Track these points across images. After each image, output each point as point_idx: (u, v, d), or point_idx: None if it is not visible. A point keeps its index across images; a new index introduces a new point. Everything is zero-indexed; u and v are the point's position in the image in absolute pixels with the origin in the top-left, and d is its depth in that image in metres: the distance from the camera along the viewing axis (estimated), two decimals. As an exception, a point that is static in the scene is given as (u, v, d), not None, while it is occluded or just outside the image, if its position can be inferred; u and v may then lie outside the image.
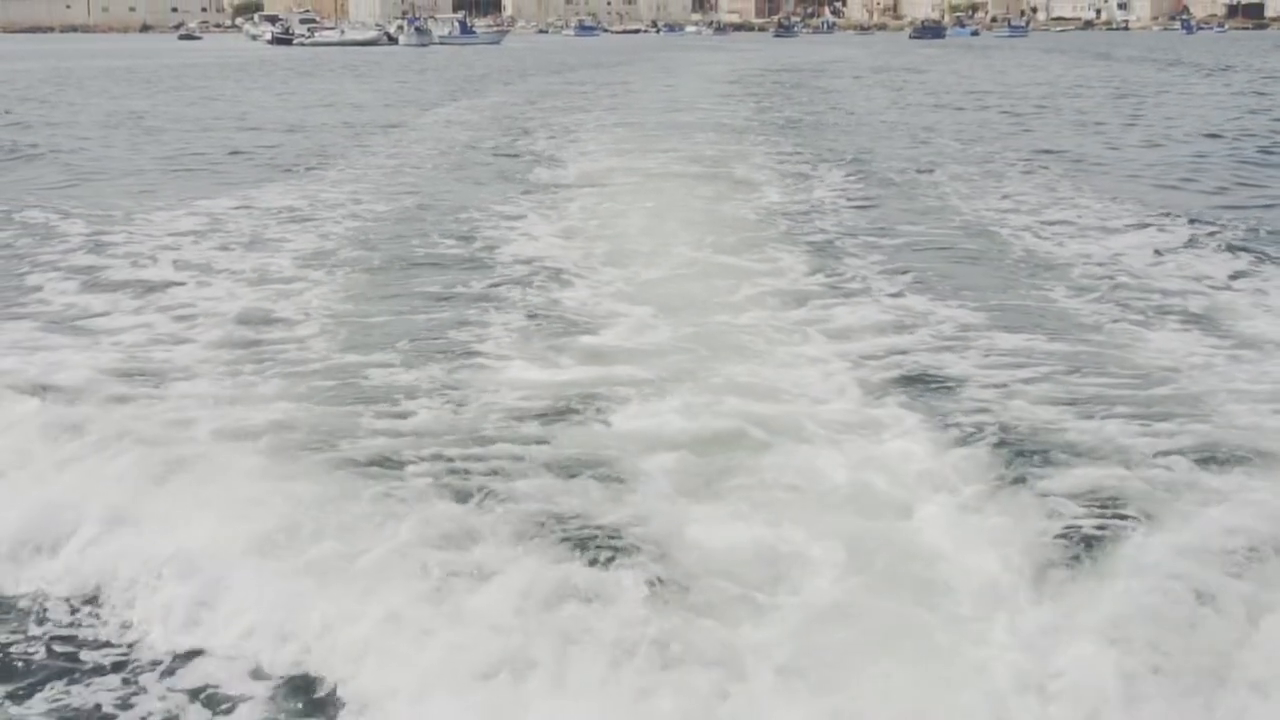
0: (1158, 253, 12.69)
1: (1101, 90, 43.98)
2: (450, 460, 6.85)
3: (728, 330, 9.65)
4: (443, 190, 17.90)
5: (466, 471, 6.69)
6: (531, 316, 10.10)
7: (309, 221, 14.90)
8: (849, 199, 16.93)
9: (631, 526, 5.97)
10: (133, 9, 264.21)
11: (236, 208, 16.00)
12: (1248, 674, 4.80)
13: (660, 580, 5.41)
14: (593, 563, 5.59)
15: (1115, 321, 9.92)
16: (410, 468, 6.75)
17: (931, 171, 19.81)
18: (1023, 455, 6.87)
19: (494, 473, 6.66)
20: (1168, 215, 14.97)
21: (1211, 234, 13.62)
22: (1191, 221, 14.35)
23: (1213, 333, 9.52)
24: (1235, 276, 11.55)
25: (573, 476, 6.61)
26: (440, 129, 28.61)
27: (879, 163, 20.93)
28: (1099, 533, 5.85)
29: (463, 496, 6.31)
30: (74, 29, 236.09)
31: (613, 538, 5.84)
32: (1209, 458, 6.76)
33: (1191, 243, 13.21)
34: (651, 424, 7.50)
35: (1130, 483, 6.44)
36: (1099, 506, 6.14)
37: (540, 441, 7.14)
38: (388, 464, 6.85)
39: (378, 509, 6.18)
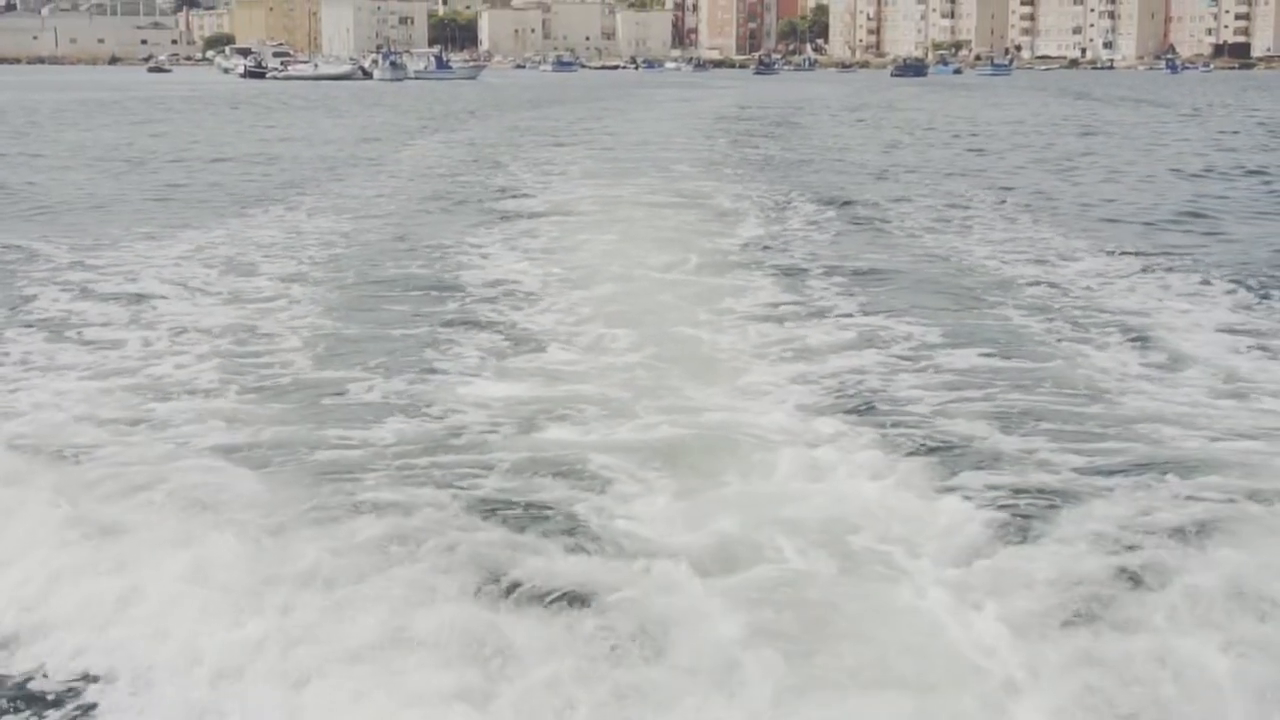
0: (1103, 278, 13.61)
1: (1071, 128, 45.18)
2: (414, 475, 7.33)
3: (690, 349, 10.37)
4: (417, 220, 18.74)
5: (428, 482, 7.19)
6: (500, 338, 10.83)
7: (287, 251, 15.64)
8: (816, 228, 17.88)
9: (590, 541, 6.37)
10: (101, 41, 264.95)
11: (217, 238, 16.72)
12: (1148, 657, 5.26)
13: (618, 603, 5.67)
14: (546, 590, 5.82)
15: (1060, 341, 10.72)
16: (373, 479, 7.24)
17: (897, 203, 20.80)
18: (965, 462, 7.55)
19: (457, 488, 7.08)
20: (1115, 246, 15.90)
21: (1154, 263, 14.54)
22: (1138, 254, 15.26)
23: (1147, 351, 10.33)
24: (1170, 300, 12.42)
25: (536, 491, 7.06)
26: (416, 162, 29.51)
27: (846, 196, 21.88)
28: (1031, 533, 6.50)
29: (421, 511, 6.67)
30: (41, 61, 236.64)
31: (572, 553, 6.22)
32: (1130, 463, 7.49)
33: (1137, 271, 14.10)
34: (612, 439, 8.02)
35: (1058, 484, 7.13)
36: (1034, 507, 6.83)
37: (504, 451, 7.73)
38: (349, 479, 7.28)
39: (335, 520, 6.57)
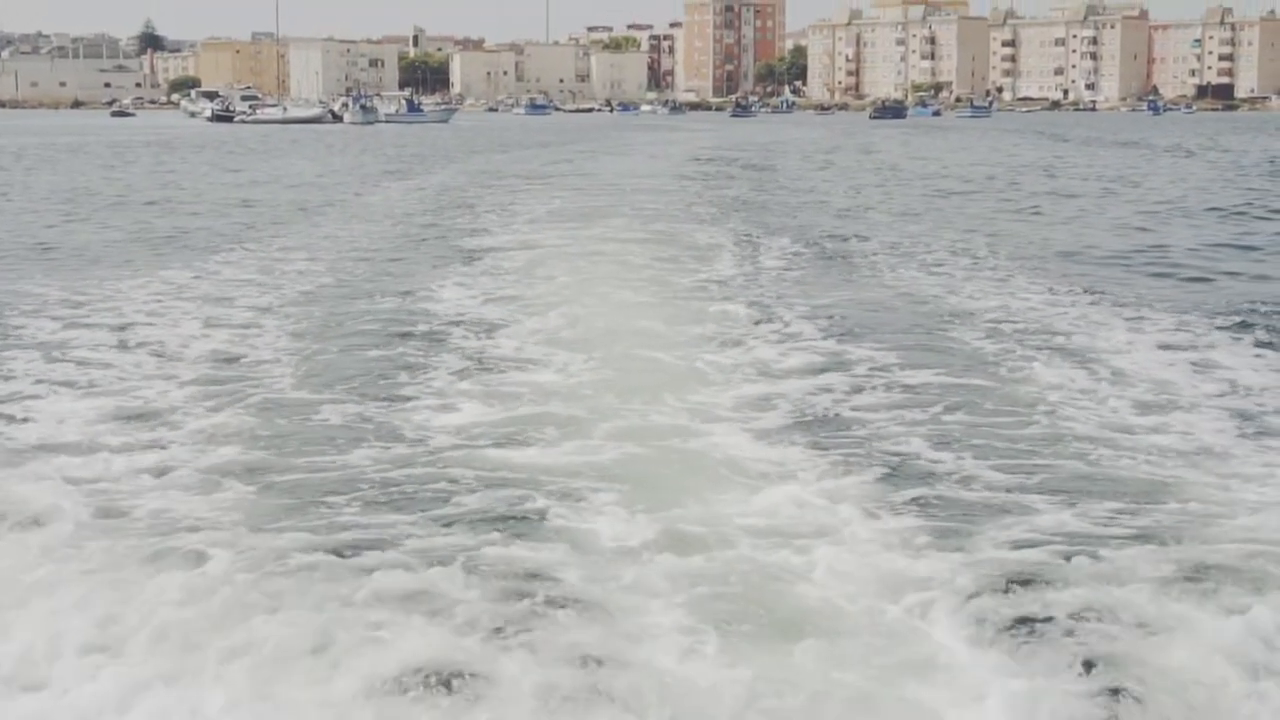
0: (1053, 308, 14.84)
1: (1038, 169, 46.74)
2: (381, 494, 8.09)
3: (653, 374, 11.37)
4: (388, 260, 19.80)
5: (396, 501, 7.94)
6: (469, 364, 11.85)
7: (262, 289, 16.62)
8: (781, 265, 19.12)
9: (553, 562, 6.91)
10: (63, 84, 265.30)
11: (194, 277, 17.65)
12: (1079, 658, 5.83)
13: (580, 617, 6.19)
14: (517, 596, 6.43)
15: (1006, 365, 11.78)
16: (342, 499, 7.97)
17: (861, 241, 22.14)
18: (912, 474, 8.47)
19: (423, 507, 7.79)
20: (1067, 280, 17.15)
21: (1102, 296, 15.78)
22: (1088, 290, 16.41)
23: (1087, 372, 11.42)
24: (1115, 328, 13.61)
25: (501, 509, 7.74)
26: (388, 205, 30.69)
27: (811, 234, 23.15)
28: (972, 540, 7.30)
29: (390, 534, 7.32)
30: (1, 105, 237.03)
31: (535, 575, 6.72)
32: (1065, 475, 8.49)
33: (1085, 302, 15.27)
34: (575, 459, 8.76)
35: (992, 496, 8.05)
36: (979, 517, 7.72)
37: (471, 470, 8.52)
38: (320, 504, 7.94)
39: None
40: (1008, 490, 8.21)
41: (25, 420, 9.92)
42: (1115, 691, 5.53)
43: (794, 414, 10.08)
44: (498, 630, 6.04)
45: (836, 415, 10.10)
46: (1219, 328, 13.60)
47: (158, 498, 8.04)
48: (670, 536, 7.27)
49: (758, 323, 13.97)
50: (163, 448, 9.15)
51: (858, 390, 10.91)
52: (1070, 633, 6.02)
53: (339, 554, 6.98)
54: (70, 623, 6.21)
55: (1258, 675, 5.64)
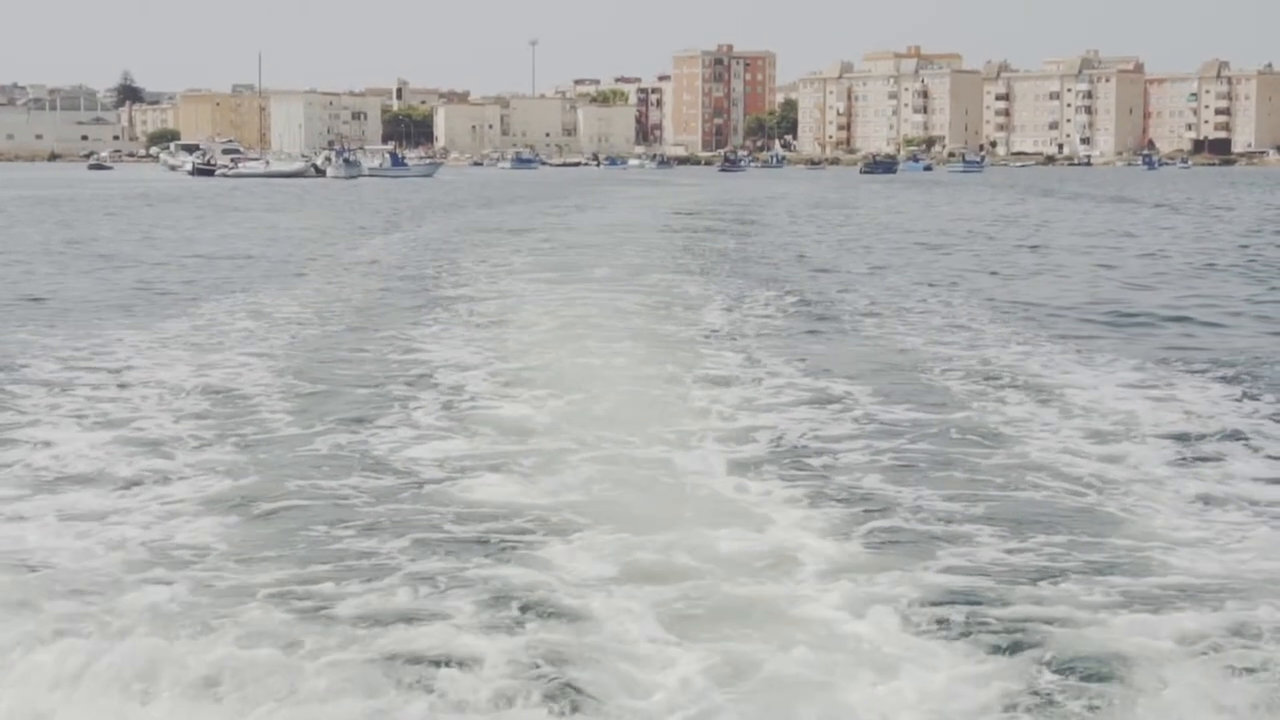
0: (1022, 355, 16.04)
1: (1021, 224, 48.22)
2: (363, 522, 8.93)
3: (630, 411, 12.45)
4: (373, 310, 20.92)
5: (377, 528, 8.76)
6: (448, 401, 12.98)
7: (252, 337, 17.68)
8: (761, 312, 20.48)
9: (522, 591, 7.54)
10: (39, 137, 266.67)
11: (188, 327, 18.64)
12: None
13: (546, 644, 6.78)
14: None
15: (977, 407, 12.83)
16: (324, 527, 8.78)
17: (841, 293, 23.47)
18: (879, 505, 9.36)
19: (403, 533, 8.62)
20: (1038, 330, 18.41)
21: (1067, 343, 17.05)
22: (1055, 338, 17.63)
23: (1057, 415, 12.48)
24: (1076, 373, 14.79)
25: (484, 537, 8.55)
26: (372, 258, 31.93)
27: (792, 285, 24.47)
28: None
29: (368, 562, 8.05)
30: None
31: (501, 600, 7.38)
32: (1026, 507, 9.45)
33: (1054, 350, 16.44)
34: (552, 491, 9.63)
35: (949, 525, 8.98)
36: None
37: (449, 499, 9.47)
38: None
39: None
40: (968, 520, 9.03)
41: (25, 454, 10.90)
42: (1040, 692, 6.30)
43: (767, 449, 11.07)
44: (477, 652, 6.69)
45: (807, 449, 11.09)
46: (1180, 373, 14.77)
47: (152, 524, 8.91)
48: (642, 561, 8.05)
49: (736, 366, 15.19)
50: (157, 479, 10.06)
51: (828, 427, 11.96)
52: (1015, 646, 6.79)
53: (322, 579, 7.74)
54: (59, 649, 6.71)
55: (1174, 686, 6.35)
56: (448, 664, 6.57)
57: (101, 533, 8.72)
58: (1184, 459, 10.80)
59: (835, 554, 8.27)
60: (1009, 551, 8.36)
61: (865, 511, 9.27)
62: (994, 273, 28.26)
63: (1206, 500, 9.58)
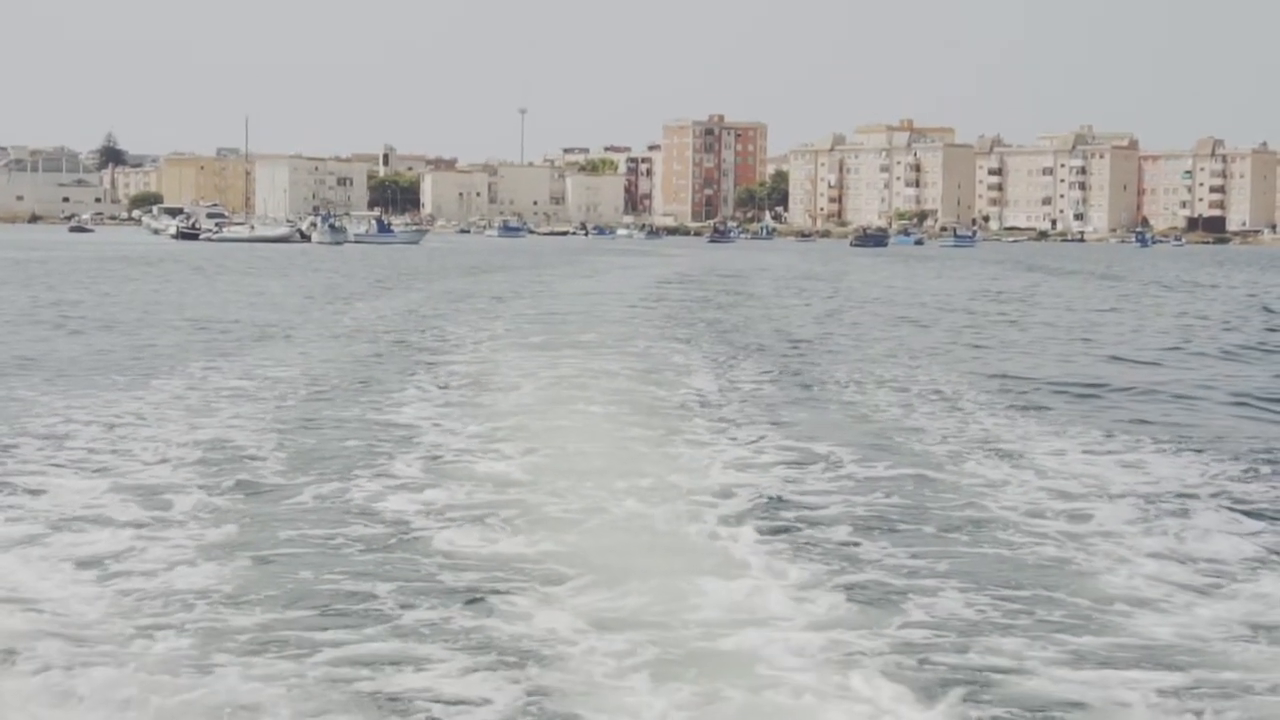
0: (993, 421, 17.03)
1: (1006, 300, 49.38)
2: (349, 567, 9.71)
3: (609, 468, 13.39)
4: (361, 370, 21.79)
5: (363, 573, 9.56)
6: (432, 456, 13.91)
7: (243, 396, 18.52)
8: (744, 379, 21.46)
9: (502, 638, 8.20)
10: (20, 198, 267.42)
11: (182, 386, 19.50)
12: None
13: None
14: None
15: (950, 470, 13.72)
16: (311, 574, 9.53)
17: (823, 360, 24.50)
18: (850, 558, 10.17)
19: (387, 578, 9.35)
20: (1006, 400, 19.28)
21: (1041, 414, 17.98)
22: (1027, 408, 18.56)
23: (1032, 476, 13.46)
24: (1046, 440, 15.71)
25: (465, 585, 9.25)
26: (359, 323, 32.79)
27: (774, 354, 25.53)
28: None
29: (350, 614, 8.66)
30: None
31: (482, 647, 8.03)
32: (989, 563, 10.47)
33: (1030, 422, 17.23)
34: (530, 543, 10.37)
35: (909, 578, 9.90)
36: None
37: (432, 549, 10.23)
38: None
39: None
40: (935, 575, 9.77)
41: (24, 500, 11.75)
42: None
43: (744, 504, 11.88)
44: (458, 693, 7.32)
45: (784, 504, 11.94)
46: (1145, 441, 15.64)
47: (148, 570, 9.61)
48: (620, 610, 8.72)
49: (716, 427, 16.18)
50: (152, 526, 10.89)
51: (804, 483, 12.90)
52: (974, 695, 7.46)
53: (309, 624, 8.40)
54: (56, 685, 7.34)
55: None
56: (430, 704, 7.20)
57: (99, 577, 9.41)
58: (1144, 520, 11.59)
59: (809, 606, 8.94)
60: (972, 605, 9.06)
61: (839, 566, 9.99)
62: (974, 346, 29.23)
63: (1164, 560, 10.30)
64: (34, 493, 12.10)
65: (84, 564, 9.77)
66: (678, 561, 9.98)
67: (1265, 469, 14.11)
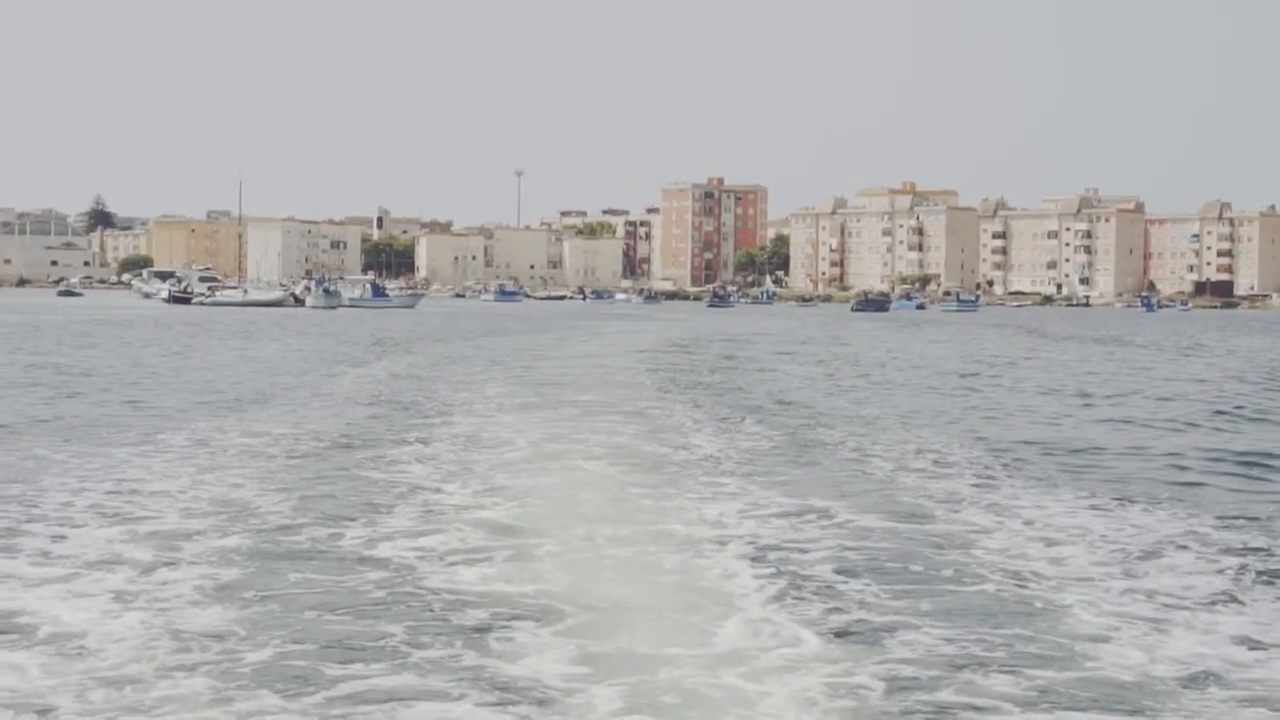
0: (977, 480, 17.99)
1: (1002, 364, 50.43)
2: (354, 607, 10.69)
3: (607, 515, 14.49)
4: (359, 428, 22.82)
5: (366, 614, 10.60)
6: (429, 507, 14.96)
7: (243, 455, 19.45)
8: (739, 439, 22.41)
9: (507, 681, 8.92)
10: (8, 261, 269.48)
11: (186, 442, 20.66)
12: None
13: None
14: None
15: (939, 522, 14.73)
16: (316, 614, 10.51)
17: (815, 420, 25.48)
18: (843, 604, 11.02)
19: (389, 618, 10.30)
20: (999, 459, 20.24)
21: (1030, 472, 18.94)
22: (1014, 465, 19.65)
23: (1015, 527, 14.53)
24: (1032, 496, 16.68)
25: (466, 625, 10.12)
26: (355, 385, 33.72)
27: (767, 415, 26.53)
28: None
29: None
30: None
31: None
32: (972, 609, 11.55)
33: (1018, 480, 18.19)
34: (527, 589, 11.23)
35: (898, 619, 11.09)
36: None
37: (434, 590, 11.26)
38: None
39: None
40: (918, 614, 10.70)
41: (45, 545, 12.81)
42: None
43: (739, 549, 12.96)
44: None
45: (774, 549, 13.01)
46: (1128, 501, 16.51)
47: (162, 609, 10.51)
48: (614, 649, 9.52)
49: (711, 481, 17.33)
50: (165, 567, 11.93)
51: (796, 533, 13.94)
52: None
53: (314, 659, 9.25)
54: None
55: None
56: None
57: (116, 616, 10.34)
58: (1122, 570, 12.54)
59: (801, 646, 9.78)
60: (953, 643, 9.98)
61: (830, 607, 10.90)
62: (967, 409, 30.20)
63: (1136, 602, 11.27)
64: (57, 538, 13.13)
65: (106, 602, 10.75)
66: (674, 602, 10.88)
67: (1240, 521, 15.14)
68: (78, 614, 10.41)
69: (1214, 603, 11.38)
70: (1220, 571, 12.55)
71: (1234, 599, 11.52)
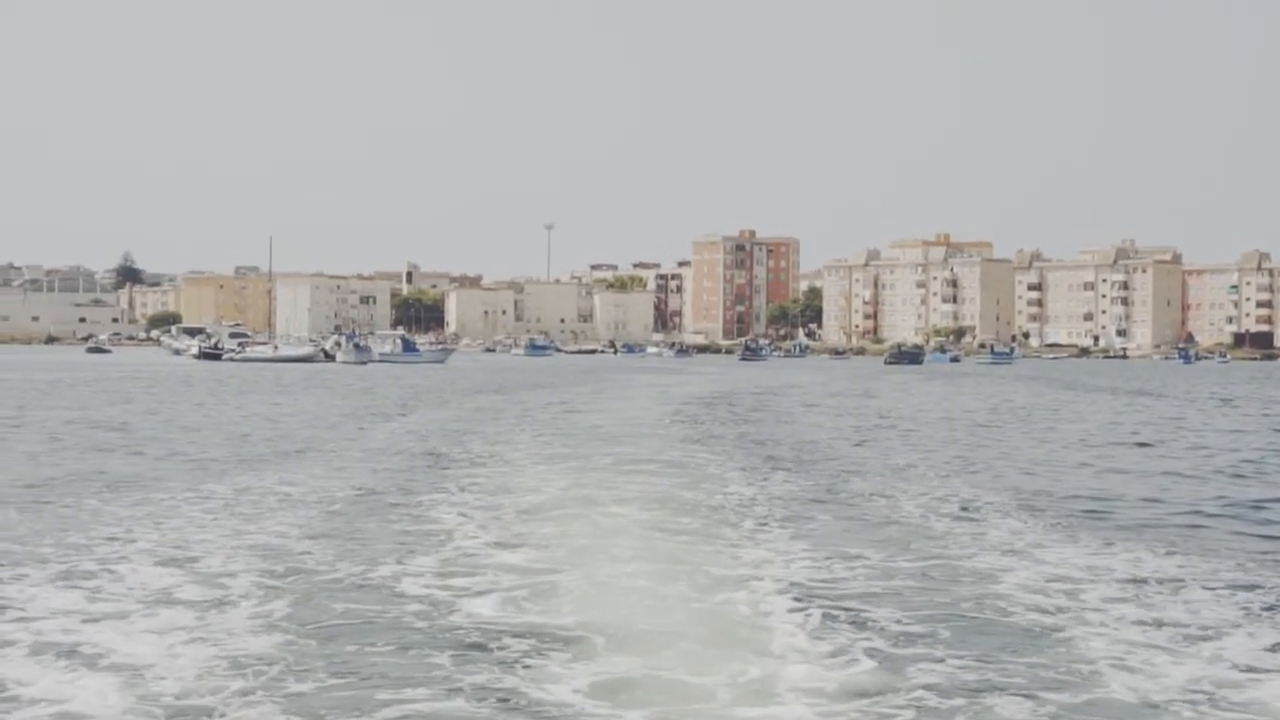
0: (1000, 530, 18.57)
1: (1035, 417, 51.01)
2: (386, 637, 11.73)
3: (634, 554, 15.35)
4: (394, 477, 23.82)
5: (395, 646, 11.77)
6: (462, 553, 15.77)
7: (281, 505, 20.26)
8: (765, 486, 23.37)
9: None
10: (36, 319, 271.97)
11: (232, 491, 21.72)
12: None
13: None
14: None
15: (964, 565, 15.47)
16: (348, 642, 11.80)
17: (843, 472, 26.24)
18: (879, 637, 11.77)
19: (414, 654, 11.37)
20: (1024, 508, 20.90)
21: (1061, 524, 19.66)
22: (1040, 514, 20.46)
23: (1035, 566, 15.33)
24: (1058, 544, 17.31)
25: (496, 658, 10.91)
26: (389, 438, 34.66)
27: (795, 465, 27.33)
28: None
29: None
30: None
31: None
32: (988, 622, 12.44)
33: (1043, 528, 18.85)
34: (565, 620, 12.12)
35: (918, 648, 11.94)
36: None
37: (466, 624, 12.18)
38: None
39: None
40: (939, 643, 11.58)
41: (104, 584, 13.77)
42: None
43: (767, 587, 13.77)
44: None
45: (800, 586, 13.85)
46: (1146, 547, 17.09)
47: (213, 640, 11.44)
48: (651, 681, 10.22)
49: (739, 524, 18.31)
50: (213, 605, 12.81)
51: (821, 571, 14.82)
52: None
53: (355, 686, 10.14)
54: None
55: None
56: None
57: (176, 648, 11.17)
58: (1135, 601, 13.41)
59: (833, 674, 10.52)
60: (974, 671, 10.74)
61: (858, 638, 11.66)
62: (998, 458, 30.88)
63: (1148, 633, 12.08)
64: (115, 578, 14.07)
65: (162, 635, 11.64)
66: (704, 634, 11.61)
67: (1251, 565, 15.87)
68: (138, 645, 11.23)
69: (1222, 635, 12.11)
70: (1233, 606, 13.37)
71: (1243, 630, 12.32)
